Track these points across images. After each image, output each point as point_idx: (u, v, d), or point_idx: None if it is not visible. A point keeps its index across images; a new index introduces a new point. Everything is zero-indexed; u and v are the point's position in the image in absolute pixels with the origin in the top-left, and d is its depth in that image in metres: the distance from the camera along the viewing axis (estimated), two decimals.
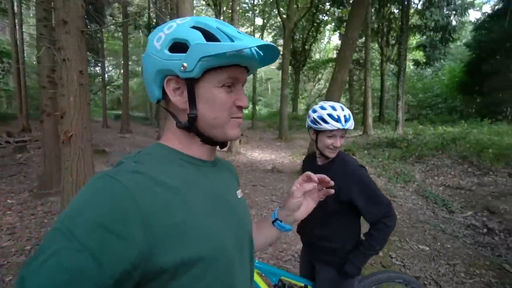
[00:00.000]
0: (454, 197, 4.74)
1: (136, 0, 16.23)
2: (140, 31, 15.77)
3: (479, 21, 17.54)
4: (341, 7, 15.64)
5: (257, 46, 0.48)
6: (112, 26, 15.98)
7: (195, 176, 0.52)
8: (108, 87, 16.93)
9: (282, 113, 11.88)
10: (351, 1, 13.54)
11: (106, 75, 17.16)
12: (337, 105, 1.24)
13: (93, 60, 14.16)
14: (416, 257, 2.79)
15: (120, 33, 15.09)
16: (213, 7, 15.10)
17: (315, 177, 0.67)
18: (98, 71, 18.15)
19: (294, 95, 22.21)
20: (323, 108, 1.23)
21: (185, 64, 0.47)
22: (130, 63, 19.55)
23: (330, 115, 1.20)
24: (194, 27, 0.48)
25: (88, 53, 12.49)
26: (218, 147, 0.58)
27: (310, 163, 1.41)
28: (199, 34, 0.47)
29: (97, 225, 0.37)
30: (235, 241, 0.53)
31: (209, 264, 0.46)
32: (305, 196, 0.70)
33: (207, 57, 0.46)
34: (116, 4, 13.20)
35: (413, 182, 5.38)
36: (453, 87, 18.83)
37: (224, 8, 15.29)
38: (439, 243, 3.12)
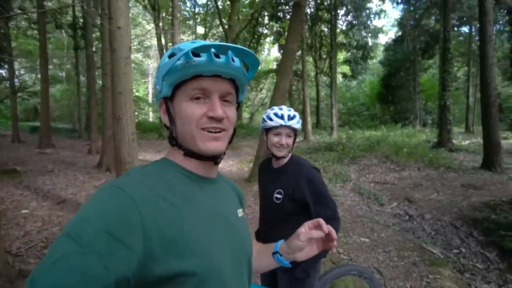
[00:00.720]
0: (382, 191, 5.48)
1: None
2: (63, 31, 13.79)
3: (387, 44, 21.32)
4: (279, 22, 16.82)
5: (221, 51, 0.50)
6: (23, 22, 13.55)
7: (195, 192, 0.54)
8: (20, 94, 14.09)
9: None
10: (287, 17, 14.70)
11: (16, 79, 14.25)
12: (285, 107, 1.32)
13: None
14: (359, 250, 3.09)
15: (35, 31, 12.86)
16: (151, 11, 14.33)
17: (325, 227, 0.62)
18: (4, 74, 15.00)
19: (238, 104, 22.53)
20: (272, 109, 1.33)
21: (157, 87, 0.54)
22: (50, 67, 16.81)
23: (275, 114, 1.29)
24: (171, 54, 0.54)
25: None
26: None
27: (266, 167, 1.45)
28: (165, 57, 0.53)
29: (103, 232, 0.39)
30: (231, 261, 0.53)
31: (202, 281, 0.46)
32: (311, 241, 0.67)
33: (167, 75, 0.51)
34: None
35: (349, 181, 6.01)
36: (373, 97, 22.11)
37: (164, 14, 14.67)
38: (375, 234, 3.53)
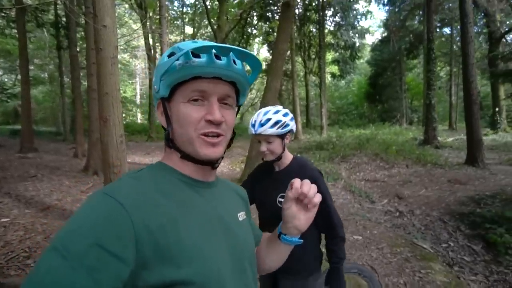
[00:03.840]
0: (373, 189, 5.57)
1: None
2: (44, 29, 13.29)
3: (374, 44, 21.82)
4: (267, 22, 16.86)
5: (222, 53, 0.48)
6: (0, 21, 12.95)
7: (191, 196, 0.52)
8: None
9: None
10: (276, 17, 14.75)
11: None
12: (265, 109, 1.23)
13: None
14: (353, 247, 3.12)
15: (13, 30, 12.30)
16: (137, 10, 14.04)
17: (297, 183, 0.60)
18: None
19: None
20: (256, 113, 1.25)
21: (155, 87, 0.52)
22: (32, 67, 16.16)
23: (251, 121, 1.23)
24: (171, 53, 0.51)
25: None
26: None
27: (265, 171, 1.38)
28: (164, 55, 0.50)
29: (92, 244, 0.37)
30: (231, 266, 0.52)
31: None
32: (301, 205, 0.62)
33: (165, 75, 0.49)
34: None
35: (340, 179, 6.07)
36: (361, 96, 22.54)
37: (151, 14, 14.40)
38: (368, 231, 3.57)
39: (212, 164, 0.55)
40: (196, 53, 0.47)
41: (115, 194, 0.43)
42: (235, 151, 11.05)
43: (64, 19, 11.47)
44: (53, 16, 12.40)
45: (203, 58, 0.47)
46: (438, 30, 16.68)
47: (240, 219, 0.62)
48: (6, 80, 19.39)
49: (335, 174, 6.39)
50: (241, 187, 0.73)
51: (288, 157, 1.30)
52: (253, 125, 1.20)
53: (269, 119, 1.18)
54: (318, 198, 0.60)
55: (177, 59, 0.46)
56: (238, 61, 0.51)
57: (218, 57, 0.48)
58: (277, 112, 1.21)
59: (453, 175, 5.90)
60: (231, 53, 0.48)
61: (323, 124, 13.81)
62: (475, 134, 6.80)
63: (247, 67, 0.55)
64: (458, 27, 11.49)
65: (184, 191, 0.52)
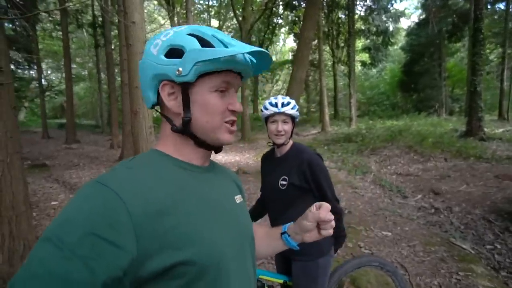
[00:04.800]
0: (405, 183, 5.22)
1: None
2: (84, 30, 14.29)
3: (410, 28, 20.07)
4: (294, 11, 16.34)
5: (250, 53, 0.51)
6: (48, 24, 14.16)
7: (188, 181, 0.52)
8: (47, 93, 14.89)
9: (243, 115, 11.87)
10: (303, 5, 14.22)
11: (43, 79, 15.01)
12: (280, 96, 1.36)
13: (25, 62, 12.34)
14: (381, 244, 2.96)
15: (59, 32, 13.42)
16: (165, 6, 14.44)
17: (325, 211, 0.61)
18: (33, 74, 15.87)
19: (254, 96, 22.44)
20: (269, 99, 1.38)
21: (180, 69, 0.49)
22: (74, 66, 17.57)
23: (270, 103, 1.34)
24: (190, 34, 0.50)
25: (18, 53, 10.85)
26: (213, 152, 0.59)
27: (269, 157, 1.51)
28: (194, 40, 0.49)
29: (88, 233, 0.37)
30: (232, 247, 0.52)
31: (202, 270, 0.45)
32: (319, 225, 0.64)
33: (202, 62, 0.48)
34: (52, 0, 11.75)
35: (370, 173, 5.79)
36: (394, 85, 21.05)
37: (178, 9, 14.73)
38: (399, 227, 3.37)
39: (220, 149, 0.58)
40: (227, 46, 0.50)
41: (109, 183, 0.42)
42: (260, 143, 11.06)
43: (100, 19, 12.21)
44: (91, 17, 13.26)
45: (241, 56, 0.51)
46: (489, 6, 14.75)
47: (238, 201, 0.62)
48: (53, 78, 21.34)
49: (364, 167, 6.10)
50: (234, 173, 0.75)
51: (289, 143, 1.39)
52: (275, 105, 1.31)
53: (289, 102, 1.33)
54: (330, 229, 0.63)
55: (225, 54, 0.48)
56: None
57: None
58: (290, 99, 1.37)
59: (501, 170, 5.29)
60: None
61: (352, 115, 13.20)
62: None
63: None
64: None
65: (181, 176, 0.51)
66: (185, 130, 0.53)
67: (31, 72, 15.76)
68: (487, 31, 12.78)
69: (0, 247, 2.10)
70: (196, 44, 0.49)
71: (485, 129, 9.41)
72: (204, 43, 0.50)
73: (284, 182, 1.33)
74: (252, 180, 5.68)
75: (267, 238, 0.73)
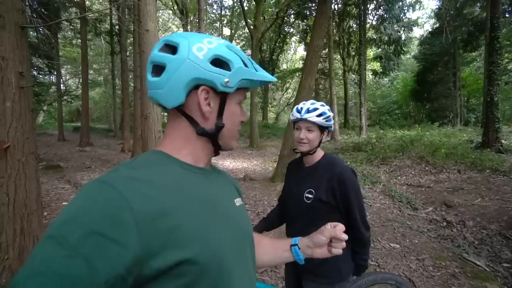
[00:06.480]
0: (416, 195, 5.06)
1: (97, 4, 15.38)
2: (101, 37, 14.89)
3: (423, 37, 19.81)
4: (305, 20, 16.50)
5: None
6: (69, 33, 14.87)
7: (190, 181, 0.53)
8: (65, 97, 15.53)
9: (252, 122, 11.92)
10: (313, 14, 14.35)
11: (62, 84, 15.69)
12: (310, 101, 1.27)
13: (46, 68, 12.93)
14: (388, 256, 2.87)
15: (78, 40, 14.06)
16: (179, 16, 14.89)
17: (340, 230, 0.67)
18: (53, 80, 16.61)
19: (264, 104, 22.56)
20: (301, 103, 1.29)
21: (227, 80, 0.53)
22: (91, 72, 18.27)
23: (296, 108, 1.26)
24: (228, 49, 0.55)
25: (40, 60, 11.40)
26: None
27: (296, 166, 1.39)
28: (238, 58, 0.55)
29: (91, 231, 0.37)
30: (233, 249, 0.53)
31: (204, 269, 0.45)
32: (331, 242, 0.69)
33: (245, 80, 0.55)
34: (74, 9, 12.36)
35: (379, 183, 5.65)
36: (407, 94, 20.67)
37: (191, 18, 15.16)
38: (407, 240, 3.26)
39: (219, 153, 0.63)
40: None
41: (112, 182, 0.42)
42: (268, 151, 11.05)
43: (117, 27, 12.71)
44: (108, 26, 13.83)
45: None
46: (507, 15, 14.37)
47: (237, 204, 0.63)
48: (71, 83, 22.23)
49: (374, 177, 5.97)
50: (232, 177, 0.75)
51: (319, 153, 1.28)
52: (299, 110, 1.23)
53: (316, 108, 1.22)
54: (340, 248, 0.67)
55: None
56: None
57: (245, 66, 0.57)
58: (323, 105, 1.26)
59: None
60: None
61: (363, 124, 13.04)
62: None
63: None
64: None
65: (183, 177, 0.52)
66: (215, 134, 0.56)
67: (51, 77, 16.53)
68: (505, 40, 12.44)
69: (12, 243, 2.16)
70: (240, 62, 0.55)
71: (503, 141, 9.06)
72: (243, 62, 0.56)
73: (310, 196, 1.21)
74: (259, 187, 5.65)
75: (273, 247, 0.75)
